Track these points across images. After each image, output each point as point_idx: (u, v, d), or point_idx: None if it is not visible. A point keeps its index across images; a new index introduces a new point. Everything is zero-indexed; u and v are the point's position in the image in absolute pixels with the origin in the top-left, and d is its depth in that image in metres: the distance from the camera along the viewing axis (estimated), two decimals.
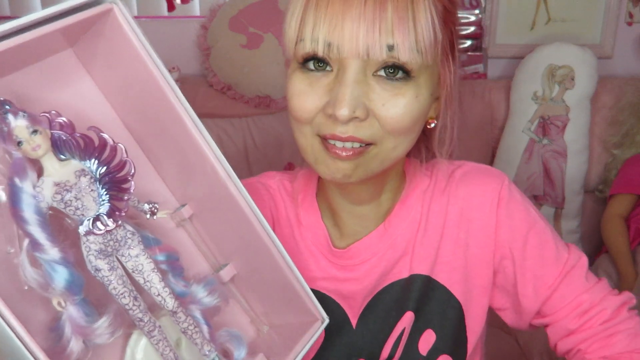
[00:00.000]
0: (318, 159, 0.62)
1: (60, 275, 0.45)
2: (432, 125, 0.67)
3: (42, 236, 0.45)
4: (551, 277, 0.70)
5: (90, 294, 0.49)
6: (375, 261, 0.72)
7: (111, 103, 0.56)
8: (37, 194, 0.46)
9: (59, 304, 0.47)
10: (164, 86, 0.51)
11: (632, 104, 1.86)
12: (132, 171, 0.50)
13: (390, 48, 0.55)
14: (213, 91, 1.94)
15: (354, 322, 0.73)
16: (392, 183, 0.72)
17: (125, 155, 0.50)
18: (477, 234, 0.71)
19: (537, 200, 1.93)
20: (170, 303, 0.53)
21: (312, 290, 0.58)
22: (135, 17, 2.30)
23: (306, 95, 0.59)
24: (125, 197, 0.50)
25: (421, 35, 0.56)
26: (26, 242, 0.46)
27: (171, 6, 2.02)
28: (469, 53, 2.04)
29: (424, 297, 0.72)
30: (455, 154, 0.72)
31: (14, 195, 0.45)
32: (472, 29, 2.03)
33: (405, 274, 0.72)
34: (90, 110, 0.53)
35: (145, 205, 0.54)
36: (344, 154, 0.59)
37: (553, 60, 1.86)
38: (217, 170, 0.54)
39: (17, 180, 0.45)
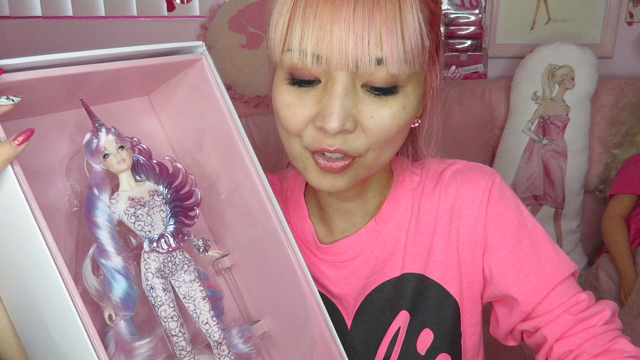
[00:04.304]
0: (307, 168, 0.62)
1: (119, 285, 0.47)
2: (417, 124, 0.67)
3: (109, 243, 0.47)
4: (550, 275, 0.69)
5: (137, 316, 0.50)
6: (363, 258, 0.72)
7: (171, 144, 0.60)
8: (111, 205, 0.49)
9: (110, 317, 0.48)
10: (235, 136, 0.56)
11: (632, 104, 1.86)
12: (199, 200, 0.53)
13: (379, 61, 0.55)
14: None
15: (348, 323, 0.73)
16: (377, 181, 0.72)
17: (194, 185, 0.53)
18: (467, 230, 0.71)
19: (537, 200, 1.93)
20: (217, 334, 0.54)
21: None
22: (135, 17, 2.27)
23: (295, 107, 0.59)
24: (190, 223, 0.53)
25: (409, 45, 0.55)
26: (92, 249, 0.48)
27: (171, 6, 2.02)
28: (469, 53, 2.04)
29: (419, 295, 0.72)
30: (449, 154, 0.71)
31: (90, 202, 0.48)
32: (472, 29, 2.02)
33: (396, 273, 0.72)
34: (153, 148, 0.56)
35: (200, 240, 0.55)
36: (332, 165, 0.59)
37: (553, 60, 1.86)
38: (275, 224, 0.57)
39: (95, 190, 0.48)
